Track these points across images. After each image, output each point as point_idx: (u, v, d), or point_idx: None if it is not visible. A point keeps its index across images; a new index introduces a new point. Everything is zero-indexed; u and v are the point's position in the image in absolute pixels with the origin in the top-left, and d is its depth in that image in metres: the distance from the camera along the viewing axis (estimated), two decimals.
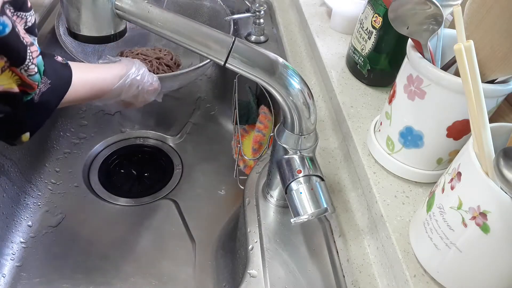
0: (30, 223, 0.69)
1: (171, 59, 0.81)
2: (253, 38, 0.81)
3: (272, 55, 0.38)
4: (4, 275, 0.62)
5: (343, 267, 0.45)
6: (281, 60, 0.38)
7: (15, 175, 0.68)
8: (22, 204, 0.70)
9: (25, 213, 0.69)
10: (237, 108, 0.73)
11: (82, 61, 0.64)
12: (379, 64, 0.55)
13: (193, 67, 0.67)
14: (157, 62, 0.78)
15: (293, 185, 0.41)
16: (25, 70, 0.39)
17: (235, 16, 0.79)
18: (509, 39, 0.33)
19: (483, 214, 0.28)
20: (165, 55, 0.81)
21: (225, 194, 0.79)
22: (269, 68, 0.38)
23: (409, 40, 0.40)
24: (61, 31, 0.67)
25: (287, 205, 0.45)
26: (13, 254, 0.65)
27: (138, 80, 0.59)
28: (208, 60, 0.66)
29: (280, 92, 0.38)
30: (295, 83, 0.38)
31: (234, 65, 0.38)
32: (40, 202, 0.72)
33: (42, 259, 0.66)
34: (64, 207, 0.72)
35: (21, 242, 0.67)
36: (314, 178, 0.41)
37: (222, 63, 0.38)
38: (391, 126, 0.43)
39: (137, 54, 0.79)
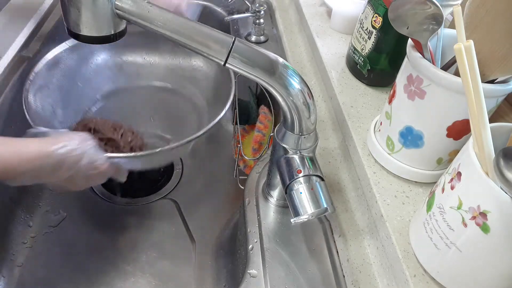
0: (30, 223, 0.69)
1: (130, 144, 0.61)
2: (253, 38, 0.81)
3: (272, 55, 0.38)
4: (4, 276, 0.62)
5: (343, 267, 0.45)
6: (281, 60, 0.38)
7: None
8: (22, 204, 0.70)
9: (25, 213, 0.69)
10: (237, 108, 0.73)
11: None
12: (379, 64, 0.55)
13: (158, 149, 0.52)
14: (104, 143, 0.59)
15: (293, 185, 0.41)
16: None
17: (235, 16, 0.79)
18: (509, 39, 0.33)
19: (483, 214, 0.28)
20: (122, 135, 0.61)
21: (225, 194, 0.79)
22: (269, 68, 0.38)
23: (409, 40, 0.40)
24: (31, 98, 0.57)
25: (287, 205, 0.45)
26: (13, 254, 0.65)
27: (70, 162, 0.45)
28: (179, 143, 0.54)
29: (280, 92, 0.38)
30: (295, 83, 0.38)
31: (234, 65, 0.38)
32: (40, 202, 0.72)
33: (42, 259, 0.66)
34: (64, 207, 0.72)
35: (22, 243, 0.67)
36: (314, 178, 0.41)
37: (222, 63, 0.38)
38: (391, 126, 0.43)
39: (89, 128, 0.59)
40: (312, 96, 0.39)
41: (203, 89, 0.73)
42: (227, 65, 0.38)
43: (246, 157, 0.69)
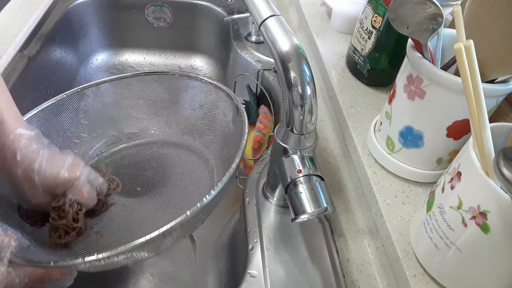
0: None
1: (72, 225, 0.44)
2: (253, 38, 0.81)
3: (294, 42, 0.39)
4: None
5: (343, 267, 0.45)
6: (299, 51, 0.38)
7: None
8: None
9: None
10: None
11: None
12: (379, 64, 0.55)
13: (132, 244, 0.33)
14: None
15: (293, 185, 0.41)
16: None
17: (235, 16, 0.79)
18: (509, 39, 0.33)
19: (483, 214, 0.28)
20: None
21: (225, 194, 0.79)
22: (286, 57, 0.38)
23: (409, 40, 0.40)
24: None
25: (287, 205, 0.45)
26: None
27: None
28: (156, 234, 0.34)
29: (291, 81, 0.38)
30: (307, 77, 0.38)
31: (262, 35, 0.40)
32: None
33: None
34: None
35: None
36: (314, 177, 0.41)
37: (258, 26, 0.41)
38: (391, 126, 0.43)
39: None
40: (316, 95, 0.39)
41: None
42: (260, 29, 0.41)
43: (246, 157, 0.69)
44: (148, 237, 0.33)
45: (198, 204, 0.35)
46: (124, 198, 0.52)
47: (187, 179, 0.54)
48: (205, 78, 0.54)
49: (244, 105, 0.48)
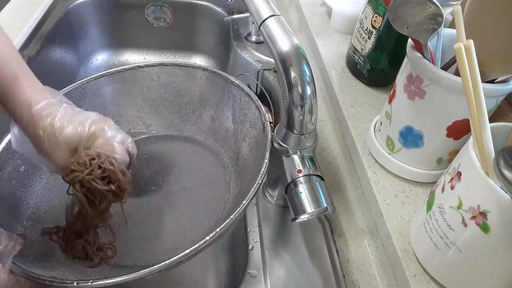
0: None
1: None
2: (253, 38, 0.81)
3: (294, 42, 0.39)
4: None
5: (343, 267, 0.45)
6: (299, 50, 0.38)
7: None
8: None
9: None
10: None
11: None
12: (379, 64, 0.55)
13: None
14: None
15: (293, 185, 0.41)
16: None
17: (235, 16, 0.79)
18: (509, 39, 0.33)
19: (483, 214, 0.28)
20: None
21: None
22: (286, 57, 0.38)
23: (409, 40, 0.40)
24: None
25: (287, 205, 0.45)
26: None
27: None
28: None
29: (291, 82, 0.38)
30: (307, 77, 0.38)
31: (263, 34, 0.41)
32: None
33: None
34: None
35: None
36: (314, 177, 0.41)
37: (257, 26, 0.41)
38: (391, 126, 0.43)
39: None
40: (316, 95, 0.39)
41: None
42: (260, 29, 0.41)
43: None
44: (149, 270, 0.38)
45: (208, 237, 0.37)
46: (137, 198, 0.54)
47: (204, 187, 0.54)
48: (236, 81, 0.52)
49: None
